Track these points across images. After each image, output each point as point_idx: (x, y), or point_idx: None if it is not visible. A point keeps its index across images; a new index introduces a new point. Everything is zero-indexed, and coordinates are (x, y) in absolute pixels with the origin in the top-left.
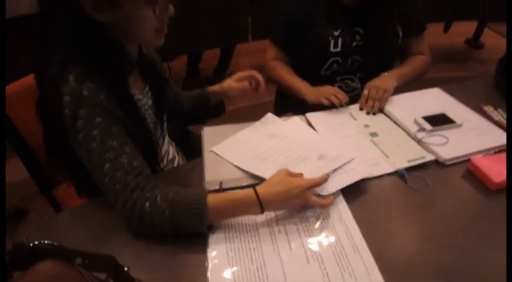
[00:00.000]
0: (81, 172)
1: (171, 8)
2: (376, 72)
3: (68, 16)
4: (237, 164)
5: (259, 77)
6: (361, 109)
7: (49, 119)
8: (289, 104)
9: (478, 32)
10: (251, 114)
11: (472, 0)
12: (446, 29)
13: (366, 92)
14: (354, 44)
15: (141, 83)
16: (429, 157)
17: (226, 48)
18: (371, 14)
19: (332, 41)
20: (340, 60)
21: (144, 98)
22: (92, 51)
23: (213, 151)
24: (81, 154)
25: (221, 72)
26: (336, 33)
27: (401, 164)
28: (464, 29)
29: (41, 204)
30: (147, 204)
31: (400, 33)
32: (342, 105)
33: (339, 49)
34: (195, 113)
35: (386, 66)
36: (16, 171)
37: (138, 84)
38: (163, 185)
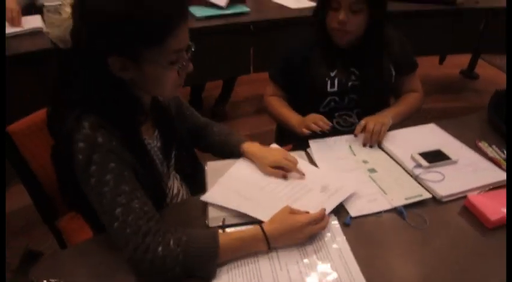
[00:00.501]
0: (92, 213)
1: (191, 66)
2: (372, 108)
3: (92, 72)
4: (235, 209)
5: (290, 165)
6: (355, 136)
7: (62, 164)
8: (290, 134)
9: (473, 64)
10: None
11: (465, 35)
12: (441, 60)
13: (363, 122)
14: (350, 83)
15: (151, 127)
16: (426, 195)
17: (228, 78)
18: (364, 56)
19: (329, 82)
20: (337, 98)
21: (153, 142)
22: (110, 103)
23: (208, 197)
24: (93, 198)
25: (223, 101)
26: (332, 74)
27: (399, 201)
28: (459, 60)
29: (42, 232)
30: (160, 248)
31: (393, 72)
32: (324, 131)
33: (335, 89)
34: (216, 152)
35: (382, 103)
36: (18, 198)
37: (148, 129)
38: (174, 229)
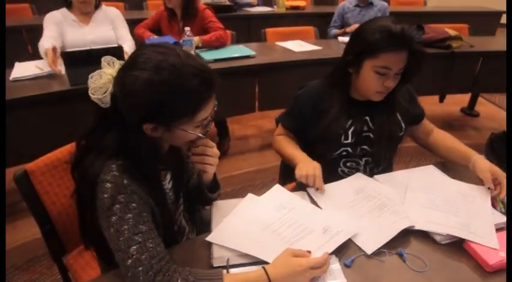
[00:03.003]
0: (105, 250)
1: (212, 125)
2: (382, 158)
3: (125, 132)
4: (238, 249)
5: None
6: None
7: (84, 202)
8: (293, 174)
9: (472, 102)
10: (257, 179)
11: (462, 76)
12: (441, 99)
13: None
14: (364, 134)
15: (164, 170)
16: None
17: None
18: (377, 104)
19: (343, 134)
20: (350, 149)
21: (165, 183)
22: (136, 151)
23: (213, 237)
24: (109, 235)
25: (224, 139)
26: (347, 125)
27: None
28: (459, 98)
29: (46, 266)
30: None
31: (403, 124)
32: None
33: (349, 140)
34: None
35: (392, 152)
36: (22, 233)
37: (162, 172)
38: (181, 268)
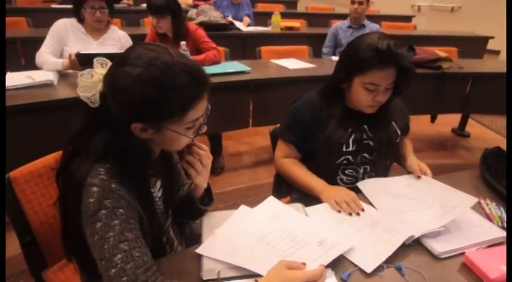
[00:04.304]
0: (89, 261)
1: (205, 128)
2: (381, 165)
3: (114, 129)
4: (230, 262)
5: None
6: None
7: (68, 208)
8: (287, 188)
9: (463, 122)
10: (250, 195)
11: (452, 96)
12: (432, 119)
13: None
14: (364, 142)
15: (154, 177)
16: None
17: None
18: (373, 116)
19: (345, 143)
20: (350, 158)
21: (155, 191)
22: (124, 154)
23: (203, 249)
24: (93, 242)
25: (218, 155)
26: (348, 133)
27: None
28: (450, 119)
29: None
30: None
31: (399, 132)
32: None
33: (350, 148)
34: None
35: (390, 160)
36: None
37: (152, 179)
38: (169, 280)
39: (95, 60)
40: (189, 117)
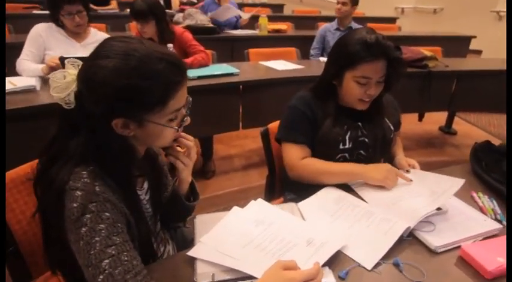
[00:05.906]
0: (74, 271)
1: (188, 120)
2: (374, 161)
3: (93, 129)
4: (224, 264)
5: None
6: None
7: (50, 216)
8: (280, 189)
9: (450, 120)
10: (241, 198)
11: (439, 94)
12: (420, 117)
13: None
14: (359, 139)
15: (141, 179)
16: None
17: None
18: (367, 113)
19: (341, 141)
20: (347, 155)
21: (142, 194)
22: (107, 154)
23: (195, 251)
24: (78, 248)
25: (208, 159)
26: (343, 130)
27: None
28: (437, 117)
29: None
30: None
31: (392, 127)
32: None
33: (347, 146)
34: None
35: (384, 156)
36: None
37: (139, 180)
38: None
39: (66, 61)
40: (171, 106)
